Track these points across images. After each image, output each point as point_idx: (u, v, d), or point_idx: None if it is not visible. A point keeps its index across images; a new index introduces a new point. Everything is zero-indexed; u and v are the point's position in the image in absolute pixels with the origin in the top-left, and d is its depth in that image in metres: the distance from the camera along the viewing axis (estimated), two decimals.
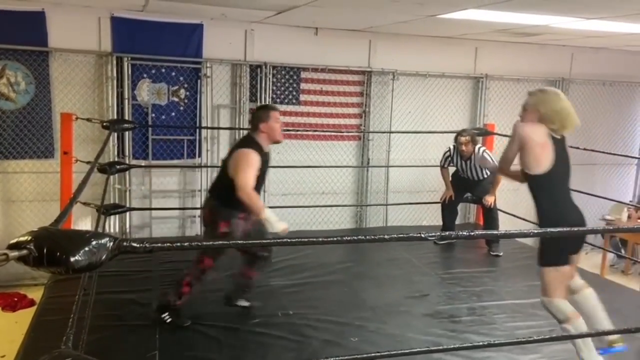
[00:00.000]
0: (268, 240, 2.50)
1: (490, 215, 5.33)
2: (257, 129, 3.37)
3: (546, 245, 2.99)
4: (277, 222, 3.14)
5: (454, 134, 5.27)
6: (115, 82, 5.55)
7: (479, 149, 5.21)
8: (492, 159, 5.18)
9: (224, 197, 3.29)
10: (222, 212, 3.33)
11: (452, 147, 5.33)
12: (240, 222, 3.33)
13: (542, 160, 2.88)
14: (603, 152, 6.12)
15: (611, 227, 6.47)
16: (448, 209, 5.52)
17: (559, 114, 2.94)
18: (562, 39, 6.30)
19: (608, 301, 4.10)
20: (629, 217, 6.66)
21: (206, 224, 3.49)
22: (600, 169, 7.63)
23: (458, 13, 4.71)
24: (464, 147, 5.11)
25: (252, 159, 3.23)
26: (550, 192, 2.95)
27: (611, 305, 4.03)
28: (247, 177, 3.16)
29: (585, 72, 7.29)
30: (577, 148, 5.97)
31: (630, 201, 7.51)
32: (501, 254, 5.23)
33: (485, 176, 5.24)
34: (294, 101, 6.23)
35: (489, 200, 5.20)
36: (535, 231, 2.18)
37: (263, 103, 6.02)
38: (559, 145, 2.94)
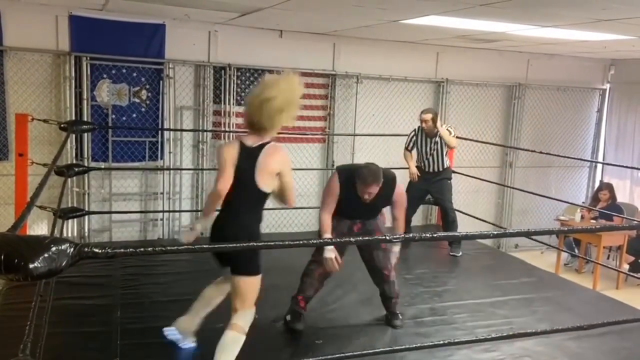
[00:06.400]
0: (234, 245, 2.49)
1: (447, 218, 5.44)
2: None
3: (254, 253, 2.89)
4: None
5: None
6: (73, 82, 5.41)
7: (442, 127, 5.33)
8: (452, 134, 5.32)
9: None
10: None
11: (417, 127, 5.43)
12: None
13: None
14: (557, 155, 6.37)
15: (565, 228, 6.75)
16: (409, 205, 5.60)
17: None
18: (519, 45, 6.51)
19: (562, 299, 4.30)
20: (582, 217, 6.90)
21: None
22: (555, 171, 7.92)
23: (420, 19, 4.80)
24: (424, 125, 5.24)
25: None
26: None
27: (565, 302, 4.23)
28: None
29: (540, 78, 7.56)
30: (533, 151, 6.23)
31: (583, 202, 7.80)
32: (460, 254, 5.32)
33: (445, 167, 5.37)
34: None
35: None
36: (495, 232, 2.26)
37: (227, 105, 5.99)
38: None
